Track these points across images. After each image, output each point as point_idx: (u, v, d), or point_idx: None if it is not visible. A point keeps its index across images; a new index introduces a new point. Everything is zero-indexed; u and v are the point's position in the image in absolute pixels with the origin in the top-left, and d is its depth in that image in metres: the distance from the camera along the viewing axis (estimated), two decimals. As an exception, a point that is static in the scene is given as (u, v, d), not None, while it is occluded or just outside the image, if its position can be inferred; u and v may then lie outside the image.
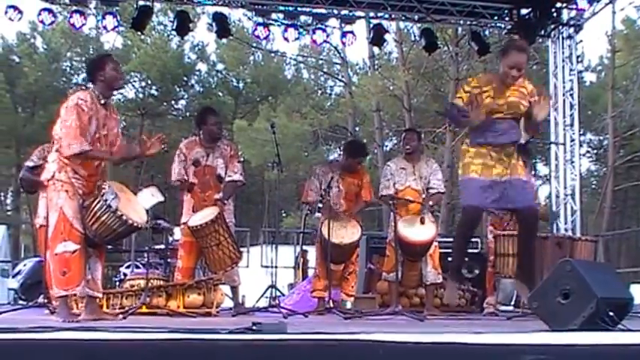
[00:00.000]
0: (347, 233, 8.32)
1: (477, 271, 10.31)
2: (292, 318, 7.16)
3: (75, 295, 6.24)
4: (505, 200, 6.31)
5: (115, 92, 6.63)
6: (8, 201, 40.24)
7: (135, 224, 6.14)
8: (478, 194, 6.28)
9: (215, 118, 8.30)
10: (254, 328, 3.87)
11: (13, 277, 12.13)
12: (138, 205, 6.39)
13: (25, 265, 11.86)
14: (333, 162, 9.15)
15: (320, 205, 8.27)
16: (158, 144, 6.49)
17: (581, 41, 13.72)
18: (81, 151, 5.97)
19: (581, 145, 15.34)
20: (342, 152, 9.21)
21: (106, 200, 5.95)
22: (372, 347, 3.39)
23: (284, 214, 35.64)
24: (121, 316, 6.60)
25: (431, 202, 8.57)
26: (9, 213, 38.96)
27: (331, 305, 7.95)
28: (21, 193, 33.50)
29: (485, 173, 6.27)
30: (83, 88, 6.62)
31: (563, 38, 12.76)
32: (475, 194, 6.31)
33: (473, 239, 9.64)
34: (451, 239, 8.93)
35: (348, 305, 9.11)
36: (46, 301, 7.69)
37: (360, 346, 3.45)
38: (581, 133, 23.13)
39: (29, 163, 8.27)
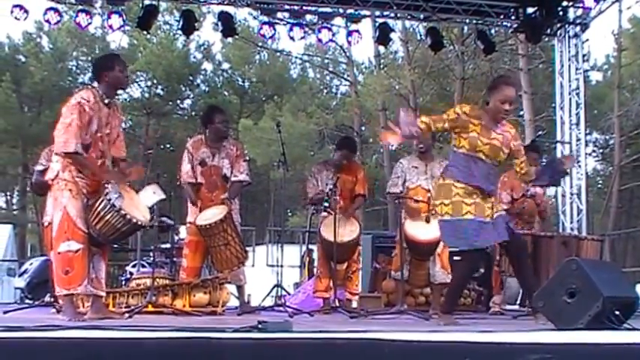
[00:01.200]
0: (346, 231, 8.30)
1: (482, 270, 10.28)
2: (298, 317, 7.16)
3: (79, 294, 6.24)
4: (494, 237, 6.25)
5: (118, 92, 6.62)
6: (14, 200, 40.32)
7: (139, 223, 6.15)
8: (472, 237, 6.11)
9: (222, 116, 8.30)
10: (260, 326, 3.87)
11: (20, 275, 12.15)
12: (141, 203, 6.39)
13: (31, 264, 11.88)
14: (327, 161, 9.15)
15: (326, 205, 8.26)
16: (136, 175, 6.54)
17: (587, 40, 13.66)
18: (76, 150, 5.95)
19: (587, 145, 15.30)
20: (337, 148, 9.18)
21: (109, 200, 5.95)
22: (377, 346, 3.39)
23: (289, 214, 35.66)
24: (126, 314, 6.61)
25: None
26: (15, 212, 39.03)
27: (337, 304, 7.94)
28: (27, 193, 33.59)
29: (479, 213, 6.13)
30: (88, 87, 6.60)
31: (569, 37, 12.74)
32: (469, 237, 6.11)
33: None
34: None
35: (354, 304, 9.11)
36: (52, 300, 7.72)
37: (366, 344, 3.45)
38: (587, 132, 23.03)
39: (39, 167, 8.27)
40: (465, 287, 6.86)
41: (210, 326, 4.51)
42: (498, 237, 6.24)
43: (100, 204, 5.98)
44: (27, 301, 10.74)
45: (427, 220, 8.17)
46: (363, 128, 33.20)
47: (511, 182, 8.83)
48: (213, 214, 7.67)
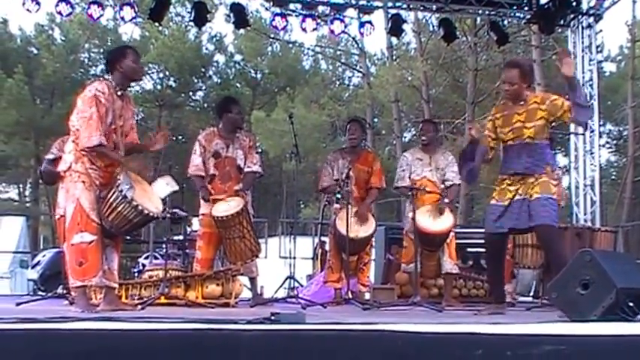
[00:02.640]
0: (362, 228, 8.31)
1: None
2: (311, 309, 7.15)
3: (92, 285, 6.25)
4: (522, 221, 6.33)
5: (132, 84, 6.62)
6: (27, 192, 40.44)
7: (151, 214, 6.15)
8: (492, 222, 6.46)
9: (238, 107, 8.32)
10: (272, 318, 3.87)
11: (33, 267, 12.21)
12: (153, 194, 6.39)
13: (44, 256, 11.94)
14: (344, 149, 9.13)
15: (339, 196, 8.25)
16: (162, 140, 6.51)
17: (600, 31, 13.62)
18: (100, 143, 5.96)
19: (600, 136, 15.25)
20: (346, 133, 9.16)
21: (121, 191, 5.96)
22: (390, 337, 3.39)
23: (302, 205, 35.69)
24: (139, 306, 6.62)
25: (447, 199, 8.52)
26: (28, 204, 39.15)
27: (349, 296, 7.94)
28: (40, 185, 33.68)
29: (502, 197, 6.43)
30: (101, 79, 6.60)
31: (582, 28, 12.67)
32: (489, 221, 6.51)
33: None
34: (469, 230, 8.93)
35: (367, 296, 9.10)
36: (65, 291, 7.74)
37: (379, 336, 3.45)
38: (601, 123, 22.97)
39: (49, 156, 8.29)
40: (493, 268, 6.82)
41: (222, 318, 4.50)
42: (509, 223, 6.37)
43: (112, 195, 5.99)
44: (40, 292, 10.79)
45: (441, 212, 8.18)
46: (375, 120, 33.13)
47: None
48: (229, 206, 7.66)
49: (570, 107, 6.18)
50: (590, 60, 12.62)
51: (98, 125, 5.96)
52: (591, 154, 12.44)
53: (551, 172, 6.39)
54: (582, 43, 12.62)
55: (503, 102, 6.66)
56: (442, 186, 8.64)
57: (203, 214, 7.99)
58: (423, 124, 9.32)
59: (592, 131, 12.48)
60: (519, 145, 6.38)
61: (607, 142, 35.88)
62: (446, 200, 8.48)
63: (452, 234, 8.59)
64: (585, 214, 12.27)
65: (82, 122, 6.00)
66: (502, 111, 6.55)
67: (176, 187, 7.09)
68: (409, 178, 8.67)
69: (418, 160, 8.71)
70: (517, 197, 6.34)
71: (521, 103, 6.41)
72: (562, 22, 12.94)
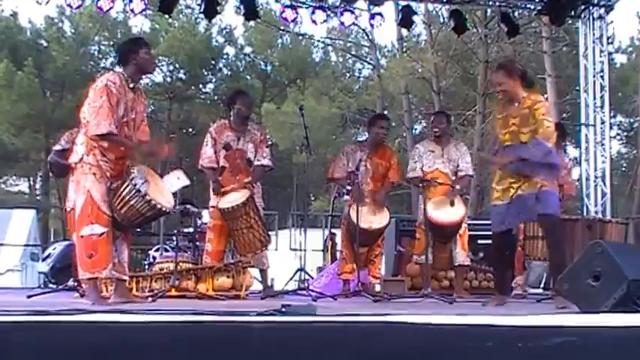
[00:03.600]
0: (376, 218, 8.30)
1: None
2: (321, 301, 7.16)
3: (102, 278, 6.26)
4: (524, 214, 6.58)
5: (144, 76, 6.63)
6: (37, 186, 40.52)
7: (163, 209, 6.16)
8: (498, 221, 6.65)
9: (245, 98, 8.34)
10: (283, 310, 3.88)
11: (43, 260, 12.22)
12: (165, 189, 6.40)
13: (54, 249, 11.95)
14: (363, 142, 9.13)
15: (348, 188, 8.25)
16: (168, 150, 6.53)
17: (611, 22, 13.49)
18: (109, 131, 5.96)
19: (611, 128, 15.14)
20: (367, 128, 9.17)
21: (135, 185, 5.96)
22: (401, 329, 3.39)
23: (312, 198, 35.63)
24: (150, 298, 6.65)
25: (459, 186, 8.54)
26: (38, 197, 39.25)
27: (360, 288, 7.94)
28: (50, 178, 33.70)
29: (506, 195, 6.57)
30: (113, 71, 6.61)
31: (593, 19, 12.58)
32: (496, 221, 6.69)
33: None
34: (479, 222, 8.93)
35: (377, 288, 9.10)
36: (76, 284, 7.75)
37: (389, 327, 3.45)
38: (612, 115, 22.81)
39: (57, 147, 8.30)
40: (501, 266, 6.97)
41: (233, 310, 4.51)
42: (515, 220, 6.67)
43: (125, 188, 5.99)
44: (50, 285, 10.81)
45: (452, 203, 8.18)
46: (385, 112, 33.02)
47: None
48: (235, 198, 7.68)
49: (549, 135, 6.42)
50: (601, 51, 12.55)
51: (108, 114, 5.96)
52: (602, 145, 12.38)
53: None
54: (593, 34, 12.54)
55: (502, 103, 6.80)
56: (454, 178, 8.63)
57: (213, 207, 8.01)
58: (435, 116, 9.32)
59: (602, 123, 12.43)
60: (517, 146, 6.52)
61: (617, 134, 35.71)
62: (458, 187, 8.49)
63: (464, 226, 8.60)
64: (596, 206, 12.22)
65: (92, 111, 6.00)
66: (502, 112, 6.74)
67: (187, 182, 7.09)
68: (421, 169, 8.67)
69: (430, 152, 8.71)
70: (519, 192, 6.47)
71: (517, 104, 6.56)
72: (573, 13, 12.86)
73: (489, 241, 10.00)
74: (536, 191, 6.40)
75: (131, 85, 6.23)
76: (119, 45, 7.12)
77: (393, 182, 8.86)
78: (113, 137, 6.02)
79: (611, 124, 14.53)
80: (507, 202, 6.54)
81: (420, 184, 8.31)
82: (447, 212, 8.19)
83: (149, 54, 6.43)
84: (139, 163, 6.20)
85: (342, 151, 9.05)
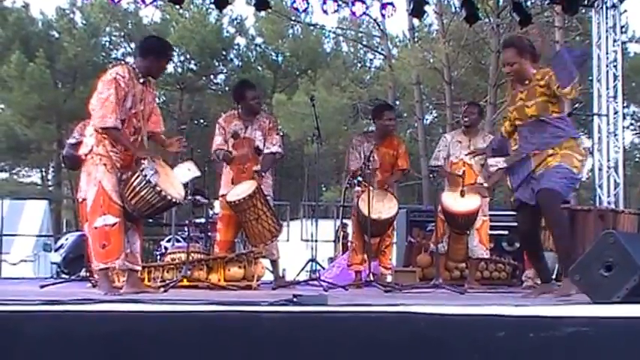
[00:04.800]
0: (384, 208, 8.27)
1: (517, 245, 10.23)
2: (333, 291, 7.16)
3: (115, 268, 6.29)
4: (527, 195, 6.15)
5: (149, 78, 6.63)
6: (50, 177, 40.67)
7: (174, 200, 6.17)
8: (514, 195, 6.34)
9: (254, 92, 8.29)
10: (295, 300, 3.88)
11: (56, 251, 12.31)
12: (176, 179, 6.41)
13: (67, 240, 12.03)
14: (368, 132, 9.11)
15: (360, 179, 8.25)
16: (178, 144, 6.53)
17: (625, 11, 13.44)
18: (114, 126, 5.97)
19: (624, 118, 15.12)
20: (372, 119, 9.16)
21: (145, 175, 5.97)
22: (412, 319, 3.38)
23: (324, 188, 35.67)
24: (162, 289, 6.66)
25: (486, 185, 8.47)
26: (50, 188, 39.39)
27: (371, 278, 7.94)
28: (62, 169, 33.86)
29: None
30: (123, 63, 6.62)
31: (606, 8, 12.50)
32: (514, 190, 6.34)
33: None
34: (490, 213, 8.89)
35: (389, 279, 9.10)
36: (88, 274, 7.80)
37: (401, 318, 3.44)
38: (625, 105, 22.76)
39: (71, 140, 8.32)
40: (524, 242, 6.78)
41: (245, 300, 4.51)
42: (522, 197, 6.20)
43: (135, 179, 6.01)
44: (63, 275, 10.88)
45: (462, 194, 8.15)
46: (397, 102, 33.00)
47: None
48: (242, 190, 7.68)
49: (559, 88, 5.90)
50: (615, 41, 12.46)
51: (115, 108, 5.96)
52: (615, 135, 12.32)
53: (576, 146, 6.08)
54: (606, 23, 12.46)
55: (512, 85, 6.42)
56: (480, 168, 8.57)
57: (223, 196, 8.02)
58: (467, 106, 9.21)
59: (615, 113, 12.37)
60: (526, 125, 6.17)
61: (631, 124, 35.59)
62: (485, 185, 8.46)
63: (483, 219, 8.54)
64: (609, 197, 12.17)
65: (99, 103, 6.01)
66: (510, 92, 6.46)
67: (198, 173, 7.11)
68: (445, 159, 8.65)
69: (458, 143, 8.68)
70: (531, 172, 6.12)
71: (527, 82, 6.19)
72: (586, 2, 12.78)
73: (500, 232, 10.10)
74: (543, 170, 6.03)
75: (142, 80, 6.24)
76: (148, 37, 7.10)
77: (402, 170, 8.85)
78: (116, 133, 6.03)
79: (624, 114, 14.52)
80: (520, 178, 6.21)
81: (431, 174, 8.30)
82: (457, 201, 8.17)
83: (167, 62, 6.56)
84: (151, 154, 6.21)
85: (350, 144, 9.04)
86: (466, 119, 8.79)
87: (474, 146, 8.41)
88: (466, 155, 8.33)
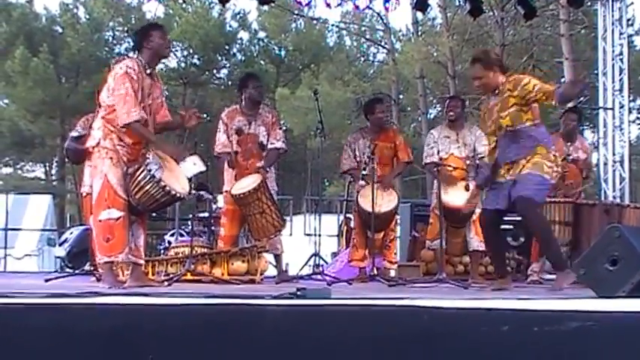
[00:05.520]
0: (383, 201, 8.23)
1: (522, 239, 10.21)
2: (336, 285, 7.17)
3: (119, 262, 6.29)
4: (501, 202, 6.37)
5: (160, 61, 6.62)
6: (53, 171, 40.71)
7: (178, 195, 6.17)
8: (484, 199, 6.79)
9: (256, 82, 8.28)
10: (298, 293, 3.87)
11: (60, 245, 12.29)
12: (181, 174, 6.40)
13: (71, 234, 12.02)
14: (364, 128, 9.09)
15: (364, 173, 8.24)
16: (195, 118, 6.51)
17: (631, 4, 13.44)
18: (139, 118, 5.98)
19: (630, 111, 15.09)
20: (365, 114, 9.15)
21: (150, 170, 5.98)
22: (416, 313, 3.37)
23: (327, 183, 35.64)
24: (166, 283, 6.66)
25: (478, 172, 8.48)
26: (54, 183, 39.45)
27: (375, 273, 7.93)
28: (66, 164, 33.85)
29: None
30: (126, 57, 6.62)
31: (612, 0, 12.47)
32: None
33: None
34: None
35: (392, 273, 9.09)
36: (92, 268, 7.80)
37: (404, 311, 3.44)
38: (631, 98, 22.70)
39: (74, 134, 8.32)
40: (494, 246, 6.89)
41: (248, 293, 4.51)
42: (492, 204, 6.50)
43: (140, 174, 6.01)
44: (67, 269, 10.87)
45: (466, 188, 8.13)
46: (400, 96, 33.00)
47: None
48: (247, 184, 7.68)
49: (550, 93, 6.06)
50: (621, 33, 12.43)
51: (135, 101, 5.99)
52: (620, 129, 12.30)
53: (546, 153, 6.26)
54: (612, 16, 12.42)
55: (484, 97, 6.66)
56: (468, 162, 8.58)
57: (227, 191, 8.01)
58: (450, 100, 9.24)
59: (621, 106, 12.34)
60: (503, 137, 6.36)
61: (637, 118, 35.40)
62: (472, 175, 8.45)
63: (478, 211, 8.54)
64: (614, 191, 12.15)
65: (119, 100, 6.01)
66: (486, 106, 6.58)
67: (203, 168, 7.09)
68: (438, 154, 8.64)
69: (445, 138, 8.67)
70: (504, 180, 6.37)
71: (497, 92, 6.37)
72: (591, -5, 12.77)
73: (503, 226, 10.10)
74: (516, 175, 6.25)
75: (148, 71, 6.24)
76: (134, 31, 7.10)
77: (405, 162, 8.84)
78: (139, 127, 6.04)
79: (630, 107, 14.46)
80: (495, 186, 6.50)
81: (436, 169, 8.26)
82: (460, 196, 8.14)
83: (163, 38, 6.41)
84: (155, 150, 6.20)
85: (345, 142, 9.04)
86: (451, 114, 8.77)
87: (462, 139, 8.59)
88: (457, 149, 8.41)
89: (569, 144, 8.86)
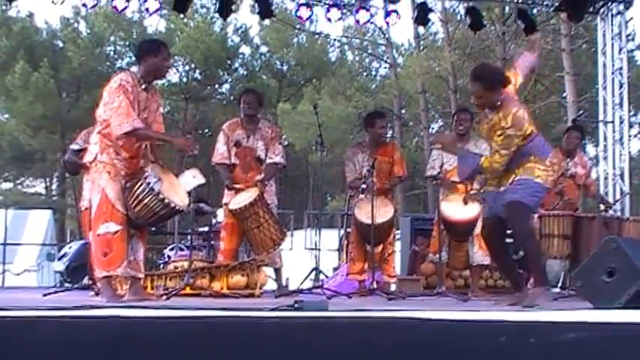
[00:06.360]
0: (379, 213, 8.20)
1: (522, 253, 10.19)
2: (336, 299, 7.16)
3: (117, 276, 6.28)
4: (494, 210, 6.34)
5: (155, 80, 6.57)
6: (54, 186, 40.69)
7: (177, 207, 6.18)
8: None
9: (248, 97, 8.27)
10: (296, 306, 3.87)
11: (59, 259, 12.30)
12: (180, 187, 6.41)
13: (70, 248, 12.03)
14: (362, 142, 9.11)
15: (364, 186, 8.23)
16: (192, 146, 6.51)
17: (631, 19, 13.40)
18: (134, 128, 5.97)
19: (631, 126, 15.09)
20: (365, 128, 9.16)
21: (148, 183, 5.99)
22: (414, 325, 3.38)
23: (328, 198, 35.62)
24: (164, 297, 6.66)
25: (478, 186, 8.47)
26: (54, 198, 39.40)
27: (374, 287, 7.91)
28: (66, 179, 33.88)
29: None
30: (125, 70, 6.64)
31: (612, 15, 12.47)
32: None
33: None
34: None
35: (392, 287, 9.08)
36: (90, 282, 7.79)
37: (403, 323, 3.44)
38: (632, 113, 22.69)
39: (74, 146, 8.34)
40: (500, 259, 6.82)
41: (246, 306, 4.51)
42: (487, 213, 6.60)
43: (139, 187, 6.02)
44: (66, 284, 10.86)
45: (465, 202, 8.13)
46: (402, 111, 33.03)
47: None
48: (244, 198, 7.70)
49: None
50: (621, 48, 12.43)
51: (129, 112, 5.98)
52: (621, 143, 12.29)
53: (539, 160, 6.12)
54: (612, 31, 12.42)
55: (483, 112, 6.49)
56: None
57: (226, 204, 8.02)
58: (459, 114, 9.13)
59: (622, 121, 12.34)
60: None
61: (638, 132, 35.42)
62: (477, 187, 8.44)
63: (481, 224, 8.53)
64: (614, 205, 12.13)
65: (112, 112, 6.01)
66: (484, 120, 6.45)
67: (203, 180, 7.10)
68: (440, 167, 8.63)
69: None
70: (492, 189, 6.37)
71: (493, 110, 6.21)
72: (591, 9, 12.75)
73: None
74: (507, 184, 6.16)
75: (143, 86, 6.24)
76: (140, 43, 7.09)
77: (399, 177, 8.85)
78: (140, 132, 6.04)
79: (630, 122, 14.46)
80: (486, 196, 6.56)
81: (435, 182, 8.27)
82: (458, 210, 8.14)
83: (167, 59, 6.43)
84: (154, 163, 6.21)
85: (345, 157, 9.06)
86: (461, 127, 8.71)
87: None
88: None
89: (568, 159, 8.86)
